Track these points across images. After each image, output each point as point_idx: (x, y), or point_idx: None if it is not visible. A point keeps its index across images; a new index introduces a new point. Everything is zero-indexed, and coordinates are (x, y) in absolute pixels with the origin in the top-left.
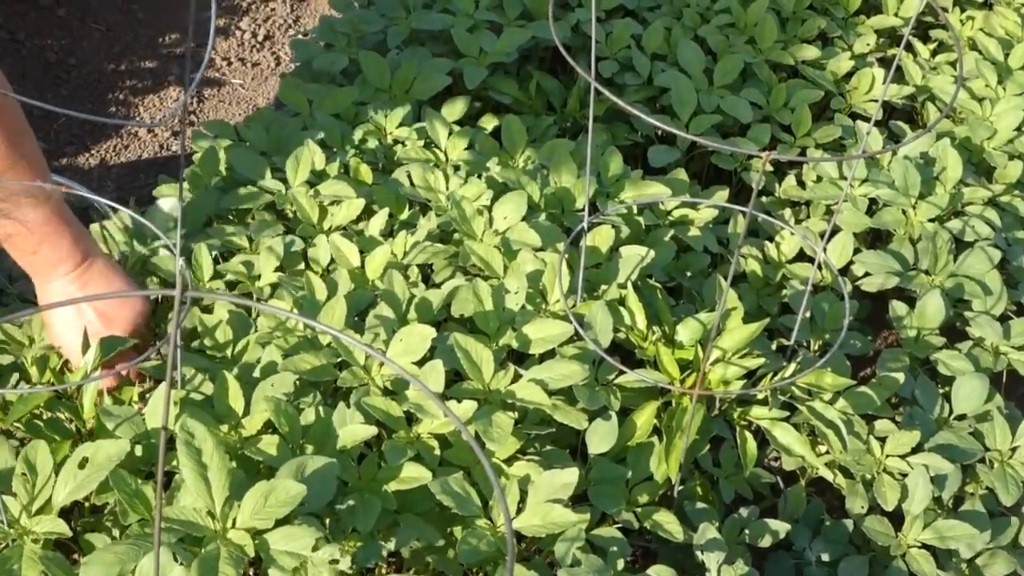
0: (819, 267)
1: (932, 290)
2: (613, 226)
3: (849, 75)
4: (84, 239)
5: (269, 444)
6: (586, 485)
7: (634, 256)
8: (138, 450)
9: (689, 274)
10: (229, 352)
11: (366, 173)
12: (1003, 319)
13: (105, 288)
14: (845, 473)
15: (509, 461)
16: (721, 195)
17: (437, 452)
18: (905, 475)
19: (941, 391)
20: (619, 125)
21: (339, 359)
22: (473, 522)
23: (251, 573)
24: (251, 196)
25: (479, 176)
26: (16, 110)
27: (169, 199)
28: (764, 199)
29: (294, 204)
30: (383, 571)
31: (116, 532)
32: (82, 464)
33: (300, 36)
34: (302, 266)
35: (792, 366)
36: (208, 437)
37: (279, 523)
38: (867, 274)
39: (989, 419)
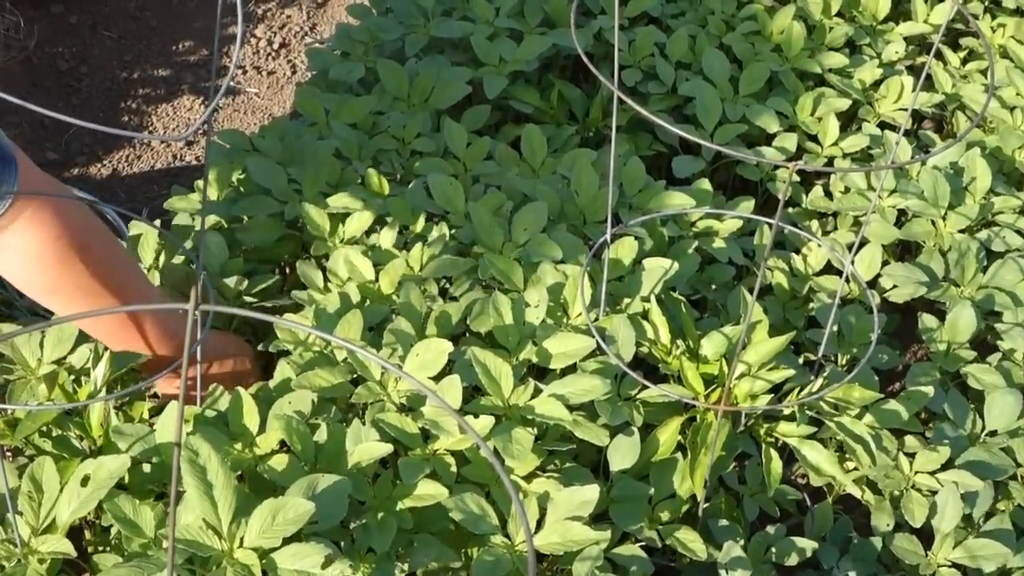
0: (847, 280)
1: (962, 302)
2: (636, 238)
3: (877, 83)
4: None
5: (280, 463)
6: (608, 503)
7: (657, 268)
8: (146, 468)
9: (714, 287)
10: None
11: (383, 184)
12: None
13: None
14: (873, 489)
15: (528, 478)
16: (746, 206)
17: (453, 469)
18: (934, 492)
19: (972, 406)
20: (642, 135)
21: (355, 374)
22: (490, 540)
23: None
24: (263, 206)
25: (499, 187)
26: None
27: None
28: (790, 210)
29: (305, 216)
30: None
31: (127, 551)
32: (84, 481)
33: (317, 44)
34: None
35: (819, 381)
36: (212, 455)
37: (288, 541)
38: (895, 287)
39: (1021, 435)
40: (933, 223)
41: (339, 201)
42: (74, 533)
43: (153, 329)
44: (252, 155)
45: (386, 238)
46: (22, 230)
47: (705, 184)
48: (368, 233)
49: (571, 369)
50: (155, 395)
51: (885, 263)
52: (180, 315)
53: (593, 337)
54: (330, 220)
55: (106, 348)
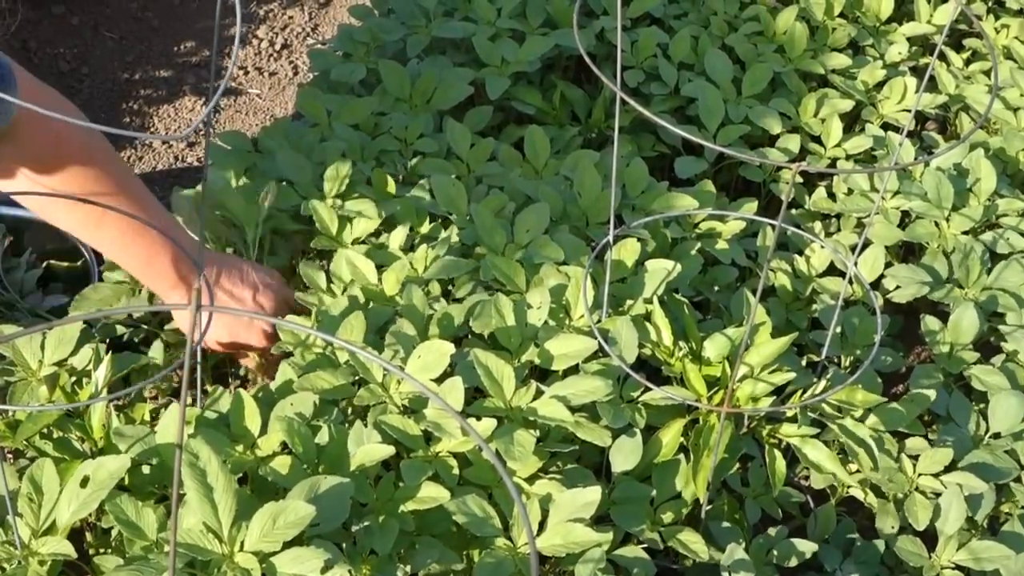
0: (850, 281)
1: (965, 304)
2: (639, 239)
3: (880, 84)
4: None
5: (282, 464)
6: (610, 504)
7: (660, 270)
8: (146, 469)
9: (716, 288)
10: None
11: (388, 185)
12: None
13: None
14: (876, 492)
15: (531, 480)
16: (749, 207)
17: (456, 471)
18: (938, 494)
19: (976, 408)
20: (645, 136)
21: (357, 376)
22: (492, 543)
23: None
24: (284, 196)
25: (501, 188)
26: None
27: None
28: (793, 211)
29: (315, 216)
30: None
31: (128, 553)
32: (83, 483)
33: (318, 45)
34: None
35: (822, 383)
36: (212, 458)
37: (288, 545)
38: (898, 287)
39: None
40: (937, 224)
41: (356, 205)
42: (75, 535)
43: (158, 237)
44: (281, 148)
45: (395, 240)
46: (24, 137)
47: (708, 185)
48: (376, 234)
49: (573, 370)
50: (155, 397)
51: (888, 265)
52: (195, 243)
53: (595, 338)
54: (339, 221)
55: (108, 350)
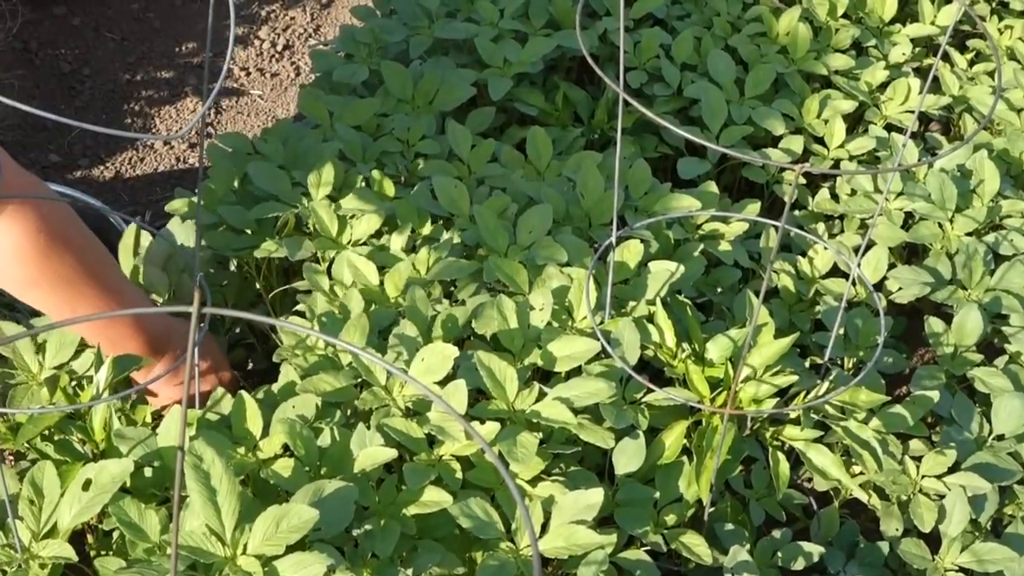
0: (853, 283)
1: (969, 305)
2: (642, 240)
3: (884, 85)
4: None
5: (284, 467)
6: (613, 507)
7: (663, 271)
8: (148, 472)
9: (719, 290)
10: None
11: (389, 186)
12: None
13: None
14: (880, 494)
15: (533, 482)
16: (752, 208)
17: (459, 475)
18: (941, 496)
19: (979, 409)
20: (648, 137)
21: (359, 379)
22: (495, 545)
23: None
24: (273, 209)
25: (504, 189)
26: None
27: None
28: (797, 213)
29: (314, 217)
30: None
31: (130, 555)
32: (86, 486)
33: (320, 46)
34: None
35: (825, 384)
36: (216, 460)
37: (291, 549)
38: (901, 288)
39: None
40: (940, 226)
41: (351, 203)
42: (75, 537)
43: (129, 323)
44: (253, 159)
45: (396, 242)
46: (3, 225)
47: (711, 186)
48: (377, 235)
49: (576, 372)
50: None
51: (892, 266)
52: (166, 330)
53: (598, 340)
54: (339, 222)
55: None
